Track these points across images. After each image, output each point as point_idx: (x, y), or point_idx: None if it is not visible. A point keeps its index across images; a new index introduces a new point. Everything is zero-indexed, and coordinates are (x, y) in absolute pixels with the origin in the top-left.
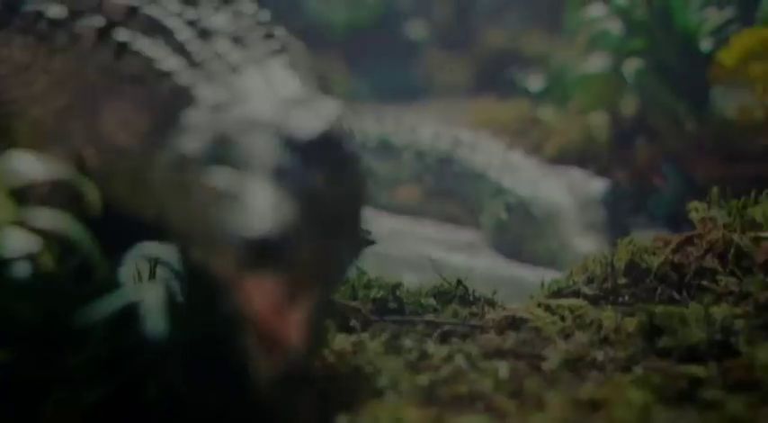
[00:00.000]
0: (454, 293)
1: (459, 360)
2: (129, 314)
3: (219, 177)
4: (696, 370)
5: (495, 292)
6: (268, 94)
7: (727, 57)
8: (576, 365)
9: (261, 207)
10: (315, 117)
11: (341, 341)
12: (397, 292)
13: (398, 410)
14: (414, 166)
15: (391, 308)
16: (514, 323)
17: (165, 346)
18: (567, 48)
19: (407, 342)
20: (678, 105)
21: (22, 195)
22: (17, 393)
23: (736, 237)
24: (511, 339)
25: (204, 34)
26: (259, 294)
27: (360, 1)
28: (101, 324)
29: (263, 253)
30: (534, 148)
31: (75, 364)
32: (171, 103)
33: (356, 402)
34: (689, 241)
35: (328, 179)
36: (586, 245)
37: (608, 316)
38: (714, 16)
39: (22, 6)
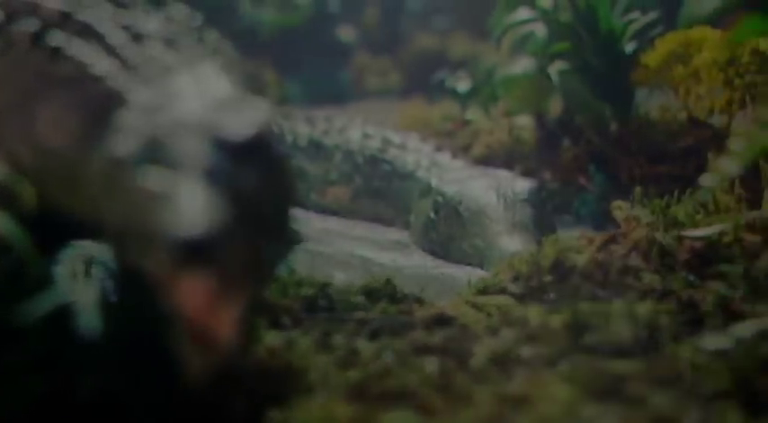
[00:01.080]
0: (383, 291)
1: (389, 357)
2: (64, 313)
3: (152, 178)
4: (621, 366)
5: (422, 290)
6: (200, 97)
7: (651, 59)
8: (502, 362)
9: (193, 207)
10: (246, 119)
11: (272, 338)
12: (328, 291)
13: (329, 406)
14: (344, 166)
15: (321, 306)
16: (442, 320)
17: (100, 345)
18: (494, 50)
19: (338, 339)
20: (602, 106)
21: None
22: None
23: (659, 235)
24: (439, 336)
25: (137, 38)
26: (191, 293)
27: (291, 4)
28: (35, 323)
29: (194, 252)
30: (462, 148)
31: (8, 364)
32: (104, 105)
33: (287, 399)
34: (613, 240)
35: (259, 180)
36: (513, 244)
37: (534, 313)
38: (638, 19)
39: None
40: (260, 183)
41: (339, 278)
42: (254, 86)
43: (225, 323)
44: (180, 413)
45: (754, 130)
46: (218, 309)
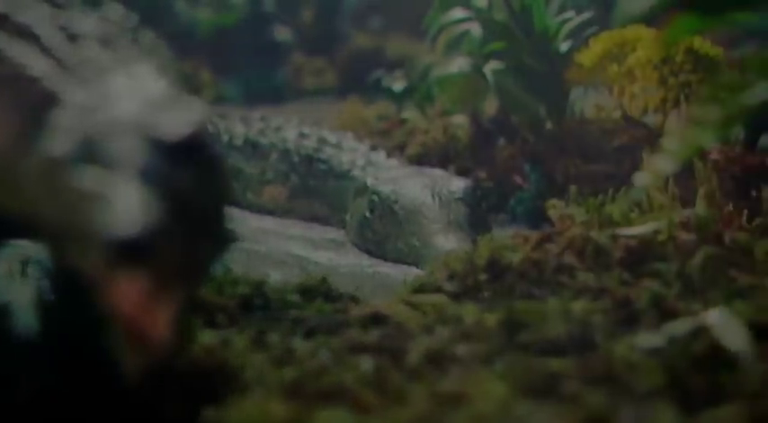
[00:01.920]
0: (319, 290)
1: (324, 355)
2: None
3: (87, 178)
4: (556, 364)
5: (358, 289)
6: (135, 97)
7: (586, 58)
8: (437, 360)
9: (128, 207)
10: (181, 118)
11: (207, 337)
12: (263, 289)
13: (265, 405)
14: (280, 165)
15: (257, 304)
16: (378, 319)
17: (36, 345)
18: (430, 50)
19: (273, 338)
20: (537, 106)
21: None
22: None
23: (593, 234)
24: (374, 335)
25: (73, 38)
26: (126, 293)
27: (226, 3)
28: None
29: (129, 252)
30: (397, 147)
31: None
32: (41, 106)
33: (223, 398)
34: (548, 238)
35: (194, 179)
36: (448, 242)
37: (469, 311)
38: (572, 18)
39: None
40: (195, 182)
41: (275, 277)
42: (189, 86)
43: (160, 322)
44: (116, 413)
45: (687, 128)
46: (153, 308)
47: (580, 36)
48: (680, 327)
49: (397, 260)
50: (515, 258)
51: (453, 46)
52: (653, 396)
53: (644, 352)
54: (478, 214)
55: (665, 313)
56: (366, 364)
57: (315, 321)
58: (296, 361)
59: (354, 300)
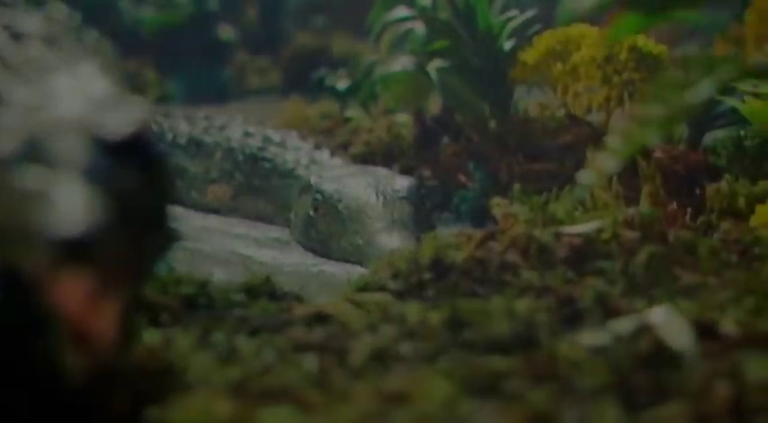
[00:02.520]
0: (263, 289)
1: (269, 354)
2: None
3: (30, 177)
4: (500, 362)
5: (302, 288)
6: (79, 96)
7: (529, 56)
8: (381, 359)
9: (71, 206)
10: (124, 117)
11: (151, 337)
12: (207, 289)
13: (209, 404)
14: (224, 164)
15: (201, 304)
16: (322, 318)
17: None
18: (374, 48)
19: (217, 337)
20: (481, 104)
21: None
22: None
23: (537, 232)
24: (318, 334)
25: (17, 38)
26: (70, 292)
27: (170, 2)
28: None
29: (73, 251)
30: (341, 146)
31: None
32: None
33: (167, 397)
34: (492, 237)
35: (137, 178)
36: (392, 241)
37: (413, 310)
38: (516, 17)
39: None
40: (138, 181)
41: (219, 276)
42: (133, 85)
43: (103, 322)
44: (58, 413)
45: (631, 127)
46: (96, 307)
47: (524, 34)
48: (624, 325)
49: (342, 259)
50: (459, 257)
51: (397, 45)
52: (597, 394)
53: (588, 350)
54: (422, 213)
55: (608, 311)
56: (310, 362)
57: (259, 320)
58: (240, 360)
59: (299, 299)
